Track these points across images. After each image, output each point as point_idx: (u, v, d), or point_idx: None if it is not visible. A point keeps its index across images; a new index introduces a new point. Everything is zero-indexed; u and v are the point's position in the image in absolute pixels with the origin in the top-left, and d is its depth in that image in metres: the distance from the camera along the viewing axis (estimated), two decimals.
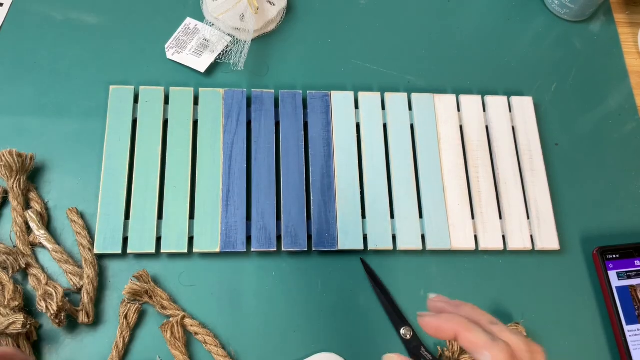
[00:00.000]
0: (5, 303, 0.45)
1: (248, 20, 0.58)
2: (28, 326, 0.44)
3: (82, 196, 0.52)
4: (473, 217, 0.54)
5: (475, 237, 0.54)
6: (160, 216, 0.51)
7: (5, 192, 0.51)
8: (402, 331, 0.50)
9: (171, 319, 0.47)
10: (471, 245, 0.53)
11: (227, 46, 0.58)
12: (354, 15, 0.64)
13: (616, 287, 0.52)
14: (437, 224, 0.53)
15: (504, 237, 0.54)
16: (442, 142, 0.57)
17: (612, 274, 0.53)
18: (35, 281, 0.48)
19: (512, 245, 0.54)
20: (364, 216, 0.53)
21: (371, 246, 0.52)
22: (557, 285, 0.54)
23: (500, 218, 0.55)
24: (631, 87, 0.64)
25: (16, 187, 0.50)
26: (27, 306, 0.47)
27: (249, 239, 0.51)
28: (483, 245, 0.53)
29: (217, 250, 0.50)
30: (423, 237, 0.53)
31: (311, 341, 0.49)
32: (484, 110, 0.59)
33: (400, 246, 0.52)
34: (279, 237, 0.52)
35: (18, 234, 0.49)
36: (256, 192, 0.52)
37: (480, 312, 0.36)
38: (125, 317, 0.47)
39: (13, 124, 0.54)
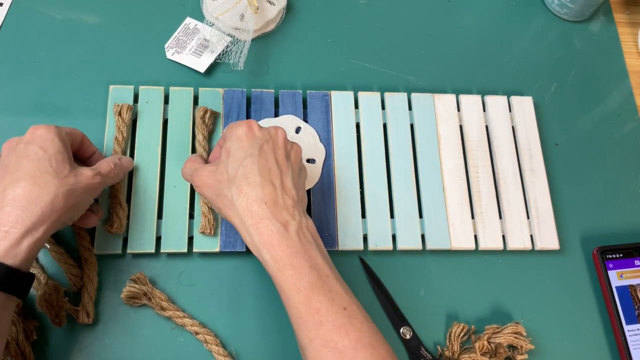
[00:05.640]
0: None
1: (248, 20, 0.58)
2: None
3: None
4: (473, 217, 0.54)
5: (475, 237, 0.54)
6: (160, 216, 0.51)
7: None
8: (401, 330, 0.50)
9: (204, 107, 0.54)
10: (471, 245, 0.53)
11: (227, 46, 0.58)
12: (354, 15, 0.64)
13: (616, 287, 0.52)
14: (437, 224, 0.53)
15: (503, 236, 0.54)
16: (442, 142, 0.57)
17: (612, 274, 0.53)
18: (35, 281, 0.48)
19: (512, 245, 0.53)
20: (363, 216, 0.53)
21: (371, 246, 0.52)
22: (557, 285, 0.54)
23: (500, 218, 0.55)
24: (631, 87, 0.64)
25: None
26: (27, 306, 0.47)
27: None
28: (483, 245, 0.53)
29: (217, 250, 0.50)
30: (423, 237, 0.53)
31: None
32: (484, 110, 0.59)
33: (400, 246, 0.52)
34: None
35: None
36: None
37: None
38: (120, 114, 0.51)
39: (13, 124, 0.54)
